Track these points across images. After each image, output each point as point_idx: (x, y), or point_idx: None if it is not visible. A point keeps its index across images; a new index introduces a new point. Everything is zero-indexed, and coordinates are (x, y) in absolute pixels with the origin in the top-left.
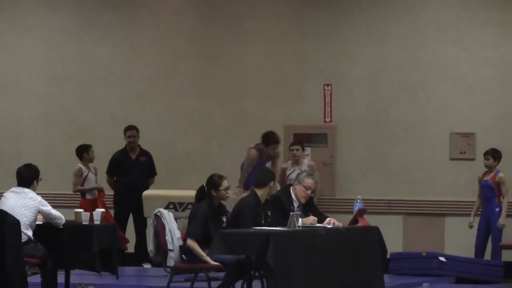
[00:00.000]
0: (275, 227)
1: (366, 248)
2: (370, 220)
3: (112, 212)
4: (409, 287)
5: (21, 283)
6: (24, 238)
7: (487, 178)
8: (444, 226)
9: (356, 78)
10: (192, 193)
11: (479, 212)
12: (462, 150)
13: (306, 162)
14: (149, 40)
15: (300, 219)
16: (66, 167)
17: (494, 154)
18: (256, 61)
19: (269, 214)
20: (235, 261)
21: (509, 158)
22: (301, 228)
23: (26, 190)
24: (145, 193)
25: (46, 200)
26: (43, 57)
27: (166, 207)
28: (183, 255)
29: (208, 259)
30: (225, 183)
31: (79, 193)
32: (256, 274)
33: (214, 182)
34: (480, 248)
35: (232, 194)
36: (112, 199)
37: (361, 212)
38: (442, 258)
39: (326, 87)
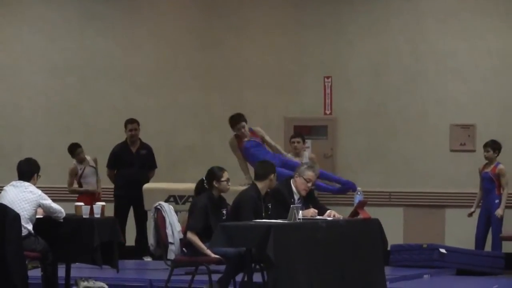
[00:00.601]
0: (276, 219)
1: (367, 240)
2: (370, 212)
3: (112, 205)
4: (409, 279)
5: (22, 277)
6: (24, 232)
7: (487, 170)
8: (444, 217)
9: (356, 70)
10: (192, 186)
11: (481, 204)
12: (462, 142)
13: (306, 154)
14: (150, 32)
15: (300, 212)
16: (66, 160)
17: (493, 146)
18: (257, 52)
19: (270, 206)
20: (236, 254)
21: (509, 149)
22: (301, 220)
23: (26, 184)
24: (146, 186)
25: (46, 193)
26: (43, 50)
27: (167, 200)
28: (183, 248)
29: (208, 252)
30: (225, 175)
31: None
32: (257, 266)
33: (214, 173)
34: (480, 239)
35: (244, 185)
36: (112, 193)
37: (362, 204)
38: (442, 250)
39: (326, 79)
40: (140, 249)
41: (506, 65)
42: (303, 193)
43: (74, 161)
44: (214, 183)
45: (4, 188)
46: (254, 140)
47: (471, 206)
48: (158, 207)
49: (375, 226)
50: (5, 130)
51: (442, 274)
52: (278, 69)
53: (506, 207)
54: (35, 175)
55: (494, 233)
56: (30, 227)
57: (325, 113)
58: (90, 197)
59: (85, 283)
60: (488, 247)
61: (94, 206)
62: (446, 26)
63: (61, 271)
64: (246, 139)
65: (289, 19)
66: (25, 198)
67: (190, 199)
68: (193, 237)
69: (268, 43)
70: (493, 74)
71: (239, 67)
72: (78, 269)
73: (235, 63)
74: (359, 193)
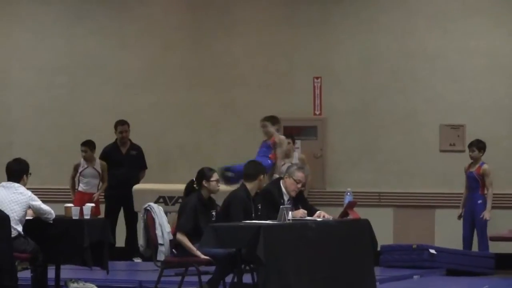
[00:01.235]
0: (265, 220)
1: (357, 241)
2: (360, 212)
3: (103, 206)
4: (399, 279)
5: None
6: (14, 233)
7: (472, 169)
8: (434, 218)
9: (345, 70)
10: (182, 187)
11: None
12: (452, 142)
13: (296, 155)
14: (140, 31)
15: (290, 212)
16: (57, 160)
17: (478, 145)
18: (247, 52)
19: (259, 207)
20: (226, 255)
21: (498, 149)
22: (291, 221)
23: (16, 184)
24: (135, 187)
25: (36, 194)
26: (33, 48)
27: (156, 201)
28: (173, 249)
29: (198, 253)
30: (215, 175)
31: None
32: (247, 267)
33: (204, 173)
34: (467, 239)
35: None
36: (103, 193)
37: (352, 205)
38: (432, 250)
39: (315, 80)
40: (130, 250)
41: (496, 64)
42: (293, 194)
43: (81, 159)
44: (204, 183)
45: None
46: (268, 142)
47: (460, 206)
48: (148, 208)
49: (365, 226)
50: None
51: (432, 274)
52: (268, 69)
53: (493, 207)
54: (25, 175)
55: (479, 232)
56: (20, 228)
57: (314, 114)
58: (87, 197)
59: (75, 285)
60: (475, 246)
61: (84, 207)
62: (435, 26)
63: (51, 273)
64: (265, 139)
65: (279, 19)
66: (15, 200)
67: (180, 200)
68: (182, 238)
69: (258, 43)
70: (482, 73)
71: (229, 67)
72: (68, 270)
73: (225, 63)
74: (348, 193)
